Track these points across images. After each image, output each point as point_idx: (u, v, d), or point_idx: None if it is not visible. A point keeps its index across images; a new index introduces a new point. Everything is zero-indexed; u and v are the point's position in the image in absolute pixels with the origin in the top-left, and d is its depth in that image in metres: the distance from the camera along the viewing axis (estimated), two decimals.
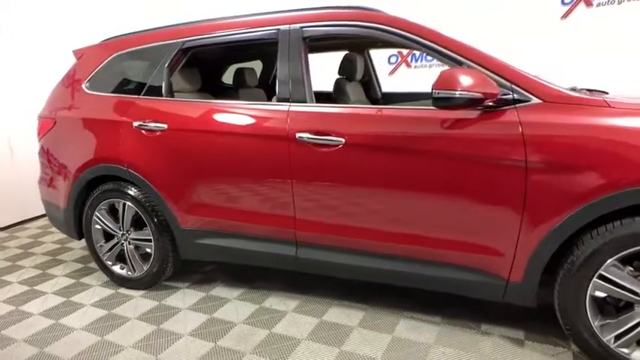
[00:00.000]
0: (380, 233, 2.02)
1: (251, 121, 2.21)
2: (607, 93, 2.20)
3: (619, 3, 4.81)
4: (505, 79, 1.77)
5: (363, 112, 2.03)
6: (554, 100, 1.70)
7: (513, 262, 1.80)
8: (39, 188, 3.03)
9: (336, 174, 2.03)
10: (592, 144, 1.60)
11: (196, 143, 2.31)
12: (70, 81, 2.81)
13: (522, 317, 2.17)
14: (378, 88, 3.53)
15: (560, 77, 4.11)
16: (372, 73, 3.49)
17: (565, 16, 5.14)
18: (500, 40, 5.16)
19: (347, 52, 3.04)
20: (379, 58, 5.90)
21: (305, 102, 2.12)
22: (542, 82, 1.76)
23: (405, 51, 5.89)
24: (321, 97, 2.92)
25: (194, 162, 2.34)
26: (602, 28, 4.86)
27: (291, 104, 2.13)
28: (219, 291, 2.66)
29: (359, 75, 3.02)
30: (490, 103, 1.73)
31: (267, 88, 3.50)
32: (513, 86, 1.75)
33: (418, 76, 5.85)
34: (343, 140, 1.97)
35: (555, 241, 1.70)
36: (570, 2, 5.08)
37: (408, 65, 5.86)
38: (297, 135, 2.05)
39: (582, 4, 5.05)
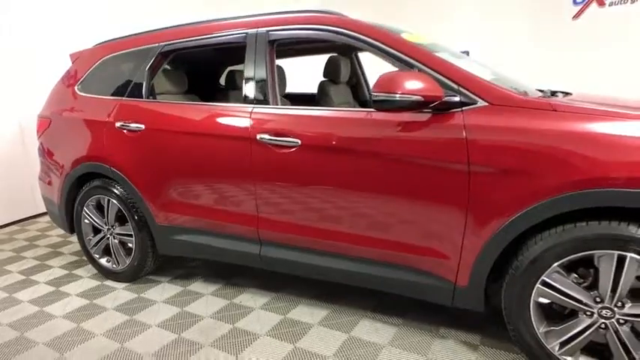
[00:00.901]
0: (333, 233, 2.05)
1: (218, 122, 2.29)
2: (570, 94, 2.16)
3: (632, 2, 4.64)
4: (453, 81, 1.76)
5: (318, 114, 2.07)
6: (500, 102, 1.69)
7: (459, 266, 1.79)
8: (39, 184, 3.22)
9: (294, 175, 2.08)
10: (533, 148, 1.58)
11: (168, 143, 2.42)
12: (65, 83, 2.98)
13: (483, 322, 2.14)
14: (366, 90, 3.55)
15: (562, 78, 4.03)
16: (361, 75, 3.51)
17: (577, 16, 5.02)
18: (511, 41, 5.10)
19: (332, 54, 3.07)
20: None
21: (268, 104, 2.18)
22: (491, 84, 1.74)
23: None
24: (308, 99, 2.99)
25: (166, 161, 2.45)
26: (615, 28, 4.71)
27: (255, 106, 2.19)
28: (197, 286, 2.75)
29: (344, 77, 3.05)
30: (434, 106, 1.73)
31: None
32: (461, 89, 1.75)
33: None
34: (299, 142, 2.02)
35: (498, 246, 1.68)
36: (582, 2, 4.95)
37: None
38: (258, 136, 2.11)
39: (594, 4, 4.92)
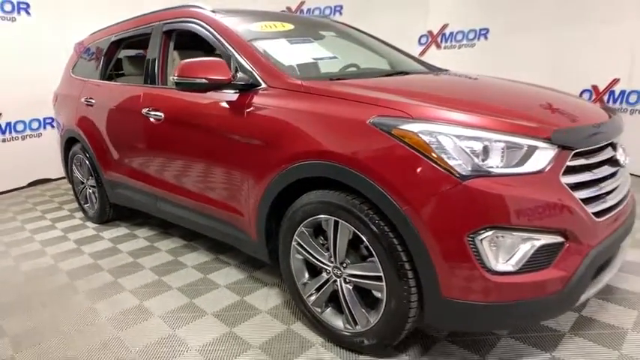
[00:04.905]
0: (183, 190, 2.52)
1: (127, 98, 2.87)
2: (447, 71, 2.34)
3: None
4: (251, 66, 2.07)
5: (168, 93, 2.53)
6: (274, 85, 1.97)
7: (250, 223, 2.13)
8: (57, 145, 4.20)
9: (161, 142, 2.58)
10: (277, 124, 1.86)
11: (104, 114, 3.09)
12: (68, 66, 3.84)
13: None
14: None
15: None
16: None
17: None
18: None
19: None
20: (410, 39, 5.94)
21: (155, 84, 2.68)
22: (274, 69, 2.02)
23: (435, 31, 5.83)
24: None
25: (104, 129, 3.13)
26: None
27: (147, 86, 2.72)
28: (141, 232, 3.43)
29: None
30: (235, 87, 2.07)
31: None
32: (254, 73, 2.05)
33: (448, 56, 5.73)
34: (163, 115, 2.50)
35: (265, 207, 1.99)
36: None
37: (438, 46, 5.80)
38: (143, 110, 2.64)
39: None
